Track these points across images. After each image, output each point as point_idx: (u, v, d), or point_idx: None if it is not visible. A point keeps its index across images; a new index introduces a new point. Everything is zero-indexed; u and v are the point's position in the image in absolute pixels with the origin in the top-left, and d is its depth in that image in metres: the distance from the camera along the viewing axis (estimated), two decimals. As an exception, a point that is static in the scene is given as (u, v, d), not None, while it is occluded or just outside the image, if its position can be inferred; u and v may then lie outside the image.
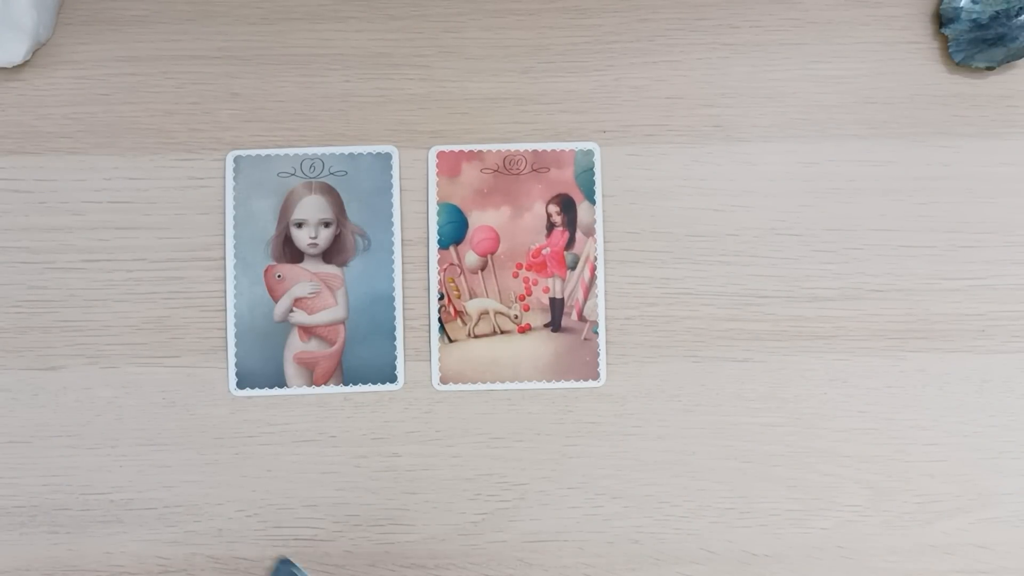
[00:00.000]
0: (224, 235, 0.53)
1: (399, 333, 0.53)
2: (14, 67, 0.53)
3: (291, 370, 0.53)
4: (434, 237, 0.53)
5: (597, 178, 0.54)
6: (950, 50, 0.54)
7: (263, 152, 0.53)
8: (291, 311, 0.53)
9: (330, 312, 0.53)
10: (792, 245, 0.54)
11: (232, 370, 0.52)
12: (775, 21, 0.55)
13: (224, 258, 0.53)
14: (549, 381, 0.53)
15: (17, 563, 0.52)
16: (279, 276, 0.53)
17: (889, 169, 0.54)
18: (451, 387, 0.53)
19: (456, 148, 0.54)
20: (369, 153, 0.53)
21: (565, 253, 0.53)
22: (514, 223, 0.53)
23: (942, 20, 0.54)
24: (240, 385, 0.52)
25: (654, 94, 0.54)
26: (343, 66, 0.54)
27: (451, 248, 0.53)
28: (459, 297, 0.53)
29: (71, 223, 0.53)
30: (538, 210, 0.54)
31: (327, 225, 0.53)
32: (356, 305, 0.53)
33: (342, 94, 0.54)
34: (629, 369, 0.53)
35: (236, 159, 0.53)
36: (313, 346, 0.53)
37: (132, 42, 0.54)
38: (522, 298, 0.53)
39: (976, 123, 0.54)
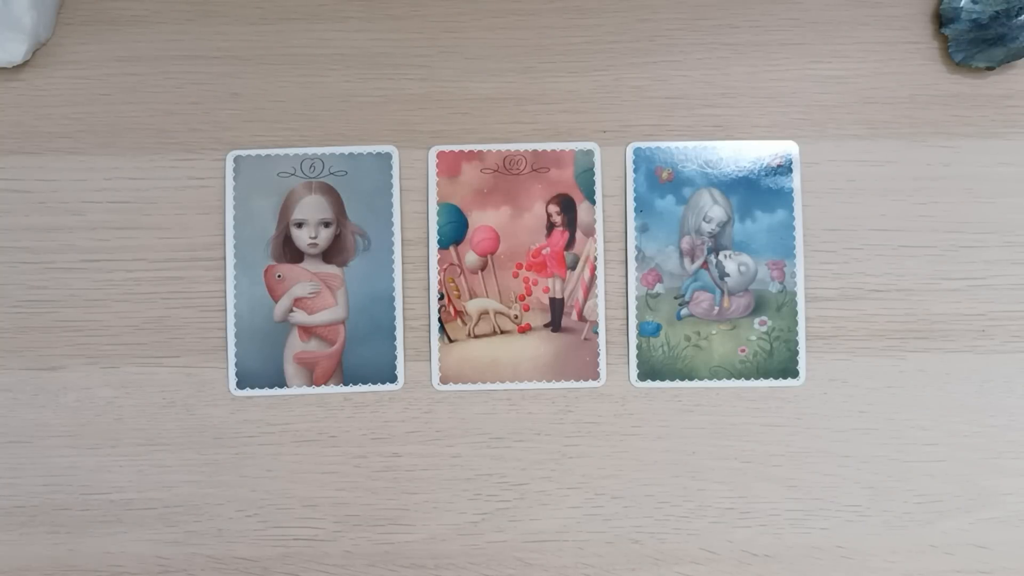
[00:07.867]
0: (224, 235, 0.53)
1: (399, 333, 0.53)
2: (14, 67, 0.53)
3: (291, 370, 0.53)
4: (434, 237, 0.53)
5: (597, 178, 0.54)
6: (950, 50, 0.54)
7: (263, 152, 0.53)
8: (291, 311, 0.53)
9: (330, 312, 0.53)
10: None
11: (232, 370, 0.52)
12: (775, 21, 0.55)
13: (224, 258, 0.53)
14: (549, 381, 0.53)
15: (17, 563, 0.52)
16: (279, 276, 0.53)
17: (889, 169, 0.54)
18: (451, 387, 0.53)
19: (456, 148, 0.54)
20: (369, 153, 0.53)
21: (565, 253, 0.53)
22: (514, 223, 0.53)
23: (942, 20, 0.54)
24: (240, 385, 0.52)
25: (654, 94, 0.54)
26: (343, 66, 0.54)
27: (451, 248, 0.53)
28: (459, 297, 0.53)
29: (71, 223, 0.53)
30: (538, 210, 0.54)
31: (327, 225, 0.53)
32: (356, 305, 0.53)
33: (342, 94, 0.54)
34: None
35: (236, 159, 0.53)
36: (313, 346, 0.53)
37: (132, 42, 0.54)
38: (522, 298, 0.53)
39: (976, 123, 0.54)
